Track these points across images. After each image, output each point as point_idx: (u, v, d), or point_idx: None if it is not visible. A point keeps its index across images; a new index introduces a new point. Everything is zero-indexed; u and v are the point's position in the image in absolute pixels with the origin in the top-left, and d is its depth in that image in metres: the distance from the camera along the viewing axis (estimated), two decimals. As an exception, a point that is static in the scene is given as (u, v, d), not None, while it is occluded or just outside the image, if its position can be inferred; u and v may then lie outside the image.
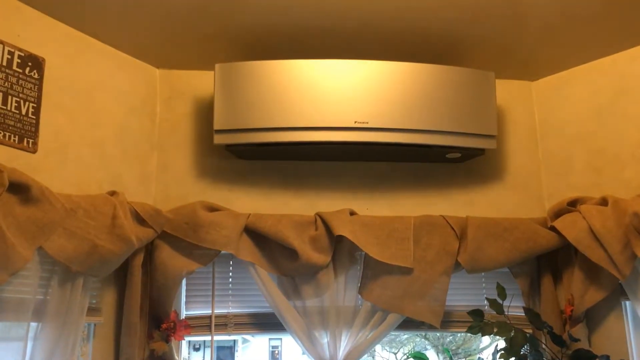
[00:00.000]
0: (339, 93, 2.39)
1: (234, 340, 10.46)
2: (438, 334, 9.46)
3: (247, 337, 10.55)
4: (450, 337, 9.44)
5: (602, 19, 2.32)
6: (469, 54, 2.60)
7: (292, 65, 2.41)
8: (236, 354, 10.40)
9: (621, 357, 2.28)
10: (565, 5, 2.23)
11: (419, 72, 2.44)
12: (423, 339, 9.80)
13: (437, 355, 8.93)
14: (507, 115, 2.80)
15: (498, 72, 2.66)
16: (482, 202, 2.70)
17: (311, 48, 2.50)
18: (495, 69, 2.61)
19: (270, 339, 10.57)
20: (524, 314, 2.36)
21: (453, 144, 2.44)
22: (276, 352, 10.67)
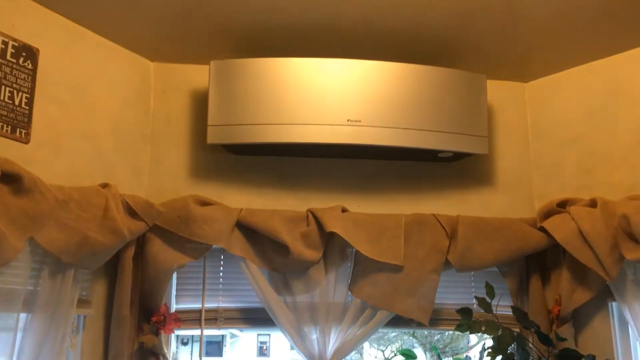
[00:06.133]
0: (333, 91, 2.41)
1: (223, 336, 10.47)
2: (426, 332, 9.51)
3: (236, 332, 10.57)
4: (438, 336, 9.49)
5: (595, 21, 2.34)
6: (463, 55, 2.61)
7: (286, 63, 2.42)
8: (224, 349, 10.42)
9: (606, 357, 2.31)
10: (559, 8, 2.25)
11: (411, 72, 2.46)
12: (411, 337, 9.85)
13: (425, 353, 8.98)
14: (499, 115, 2.81)
15: (491, 73, 2.68)
16: (473, 201, 2.71)
17: (306, 46, 2.51)
18: (488, 70, 2.64)
19: (258, 334, 10.60)
20: (512, 313, 2.38)
21: (444, 146, 2.47)
22: (264, 347, 10.70)
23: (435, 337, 9.62)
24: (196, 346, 10.28)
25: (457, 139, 2.49)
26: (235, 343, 10.62)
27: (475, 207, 2.68)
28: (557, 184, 2.68)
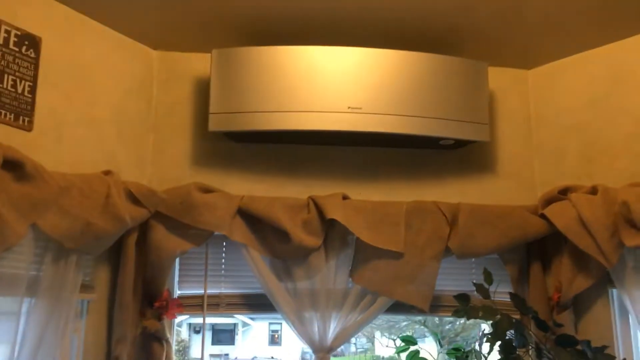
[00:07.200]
0: (334, 79, 2.42)
1: (234, 324, 10.58)
2: (437, 321, 9.51)
3: (248, 321, 10.67)
4: (449, 325, 9.48)
5: (598, 8, 2.32)
6: (465, 43, 2.60)
7: (287, 51, 2.43)
8: (236, 337, 10.52)
9: (606, 343, 2.30)
10: (561, -6, 2.24)
11: (412, 60, 2.47)
12: (422, 326, 9.86)
13: (435, 341, 8.99)
14: (502, 103, 2.81)
15: (494, 60, 2.68)
16: (475, 189, 2.71)
17: (307, 34, 2.51)
18: (491, 57, 2.63)
19: (270, 323, 10.69)
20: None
21: (446, 134, 2.47)
22: (276, 336, 10.79)
23: (447, 327, 9.62)
24: (208, 334, 10.41)
25: (458, 127, 2.49)
26: (247, 332, 10.72)
27: (477, 194, 2.68)
28: (559, 171, 2.68)
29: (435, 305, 2.54)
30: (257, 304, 2.55)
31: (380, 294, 2.44)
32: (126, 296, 2.27)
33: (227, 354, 9.99)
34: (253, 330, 10.75)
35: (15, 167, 1.87)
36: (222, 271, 2.58)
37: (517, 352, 2.22)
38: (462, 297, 2.30)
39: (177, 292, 2.54)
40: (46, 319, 1.99)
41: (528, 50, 2.69)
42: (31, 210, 1.91)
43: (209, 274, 2.54)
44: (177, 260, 2.52)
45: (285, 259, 2.45)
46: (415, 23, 2.45)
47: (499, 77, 2.75)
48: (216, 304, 2.54)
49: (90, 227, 2.06)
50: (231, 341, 10.29)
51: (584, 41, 2.60)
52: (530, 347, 2.29)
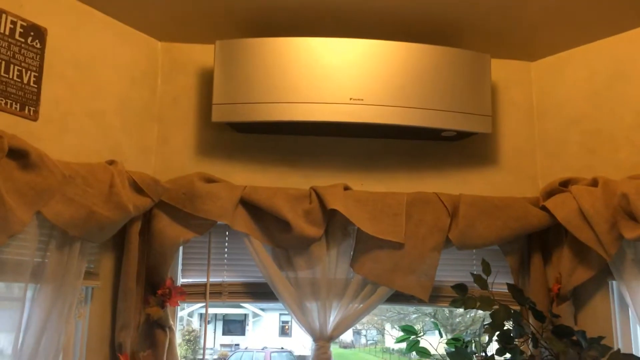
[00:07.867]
0: (336, 70, 2.44)
1: (245, 315, 10.65)
2: (447, 314, 9.51)
3: (258, 311, 10.74)
4: (459, 318, 9.48)
5: (600, 0, 2.31)
6: (467, 34, 2.61)
7: (289, 42, 2.45)
8: (247, 327, 10.59)
9: (605, 334, 2.31)
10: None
11: (415, 52, 2.48)
12: (432, 319, 9.87)
13: (445, 334, 9.01)
14: (505, 95, 2.81)
15: (498, 52, 2.68)
16: (477, 180, 2.72)
17: (309, 26, 2.53)
18: (495, 48, 2.63)
19: (280, 314, 10.75)
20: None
21: (448, 125, 2.48)
22: (286, 327, 10.85)
23: (457, 320, 9.62)
24: (219, 324, 10.50)
25: (460, 118, 2.50)
26: (258, 322, 10.78)
27: (479, 186, 2.69)
28: (561, 163, 2.68)
29: (436, 296, 2.56)
30: (259, 292, 2.58)
31: (381, 284, 2.46)
32: (130, 284, 2.31)
33: (237, 344, 10.06)
34: (263, 321, 10.82)
35: (20, 155, 1.91)
36: (225, 260, 2.61)
37: (515, 342, 2.24)
38: (460, 287, 2.32)
39: (181, 281, 2.58)
40: (50, 305, 2.03)
41: (531, 42, 2.69)
42: (36, 198, 1.94)
43: (211, 262, 2.58)
44: (181, 249, 2.56)
45: (287, 248, 2.47)
46: (418, 14, 2.46)
47: (501, 69, 2.75)
48: (219, 292, 2.57)
49: (93, 215, 2.09)
50: (242, 331, 10.37)
51: (587, 33, 2.59)
52: (528, 337, 2.30)
